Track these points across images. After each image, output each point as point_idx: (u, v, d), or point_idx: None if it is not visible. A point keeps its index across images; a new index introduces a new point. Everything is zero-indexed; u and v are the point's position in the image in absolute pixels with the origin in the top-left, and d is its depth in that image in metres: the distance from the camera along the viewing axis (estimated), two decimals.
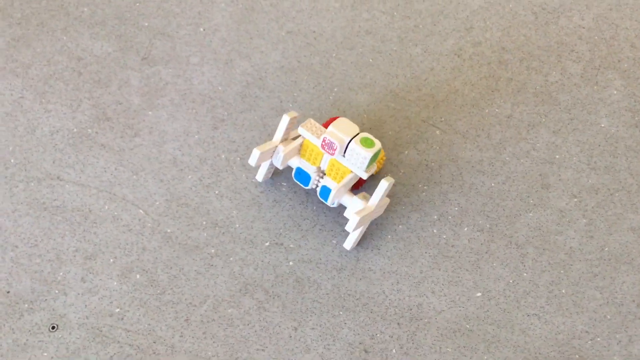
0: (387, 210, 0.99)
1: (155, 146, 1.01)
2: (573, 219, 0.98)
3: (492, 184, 1.01)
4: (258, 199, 0.99)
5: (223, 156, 1.02)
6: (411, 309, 0.90)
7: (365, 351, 0.86)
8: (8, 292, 0.88)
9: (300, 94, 1.08)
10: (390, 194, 1.02)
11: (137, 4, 1.11)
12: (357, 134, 0.96)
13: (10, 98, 1.02)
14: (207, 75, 1.07)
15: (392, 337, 0.87)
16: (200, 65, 1.08)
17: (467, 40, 1.12)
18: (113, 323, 0.88)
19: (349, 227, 0.93)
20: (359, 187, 1.03)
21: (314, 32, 1.12)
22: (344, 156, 0.96)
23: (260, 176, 1.03)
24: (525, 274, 0.94)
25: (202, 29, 1.10)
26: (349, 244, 0.98)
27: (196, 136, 1.03)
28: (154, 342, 0.87)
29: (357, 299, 0.92)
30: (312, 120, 0.98)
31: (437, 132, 1.06)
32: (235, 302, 0.91)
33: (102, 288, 0.90)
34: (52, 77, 1.04)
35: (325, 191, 0.98)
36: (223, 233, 0.96)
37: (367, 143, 0.95)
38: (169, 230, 0.95)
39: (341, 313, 0.90)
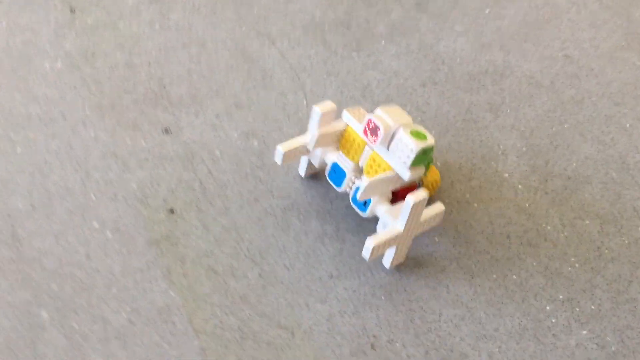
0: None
1: None
2: None
3: None
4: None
5: None
6: (452, 352, 0.84)
7: (372, 346, 0.85)
8: None
9: None
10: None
11: None
12: (408, 123, 0.82)
13: None
14: None
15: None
16: None
17: None
18: None
19: (365, 253, 0.81)
20: (401, 197, 0.87)
21: None
22: (387, 149, 0.82)
23: (302, 170, 0.95)
24: None
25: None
26: (387, 261, 0.89)
27: None
28: None
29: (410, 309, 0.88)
30: (361, 109, 0.86)
31: None
32: None
33: None
34: None
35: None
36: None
37: (418, 135, 0.80)
38: None
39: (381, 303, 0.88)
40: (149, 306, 0.87)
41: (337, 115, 1.02)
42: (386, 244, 0.83)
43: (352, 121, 0.85)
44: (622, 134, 1.09)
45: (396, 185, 0.87)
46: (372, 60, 1.18)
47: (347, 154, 0.87)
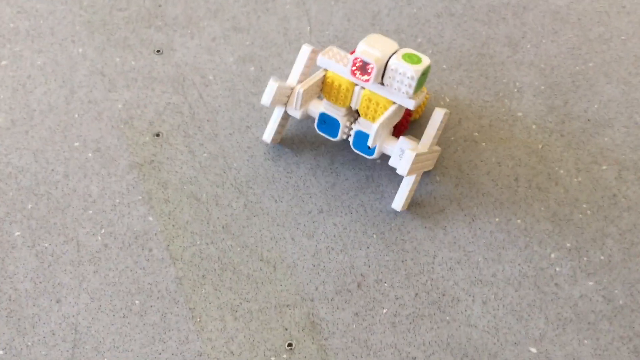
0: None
1: None
2: None
3: None
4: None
5: None
6: (444, 295, 0.79)
7: (358, 285, 0.80)
8: None
9: None
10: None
11: None
12: (396, 50, 0.75)
13: None
14: None
15: (399, 298, 0.81)
16: None
17: None
18: None
19: (402, 168, 0.74)
20: (401, 132, 0.85)
21: None
22: (382, 83, 0.76)
23: (268, 136, 0.86)
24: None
25: None
26: (399, 203, 0.82)
27: None
28: None
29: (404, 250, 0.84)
30: (334, 48, 0.79)
31: None
32: None
33: None
34: None
35: (362, 138, 0.79)
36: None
37: (412, 59, 0.73)
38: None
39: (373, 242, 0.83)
40: (125, 230, 0.82)
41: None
42: (416, 164, 0.76)
43: (333, 65, 0.77)
44: None
45: (400, 117, 0.80)
46: None
47: (335, 100, 0.79)
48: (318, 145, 0.91)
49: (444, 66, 1.00)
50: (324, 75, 0.79)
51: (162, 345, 0.74)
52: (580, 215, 0.86)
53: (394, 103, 0.77)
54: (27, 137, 0.90)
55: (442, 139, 0.91)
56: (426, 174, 0.88)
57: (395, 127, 0.85)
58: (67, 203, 0.84)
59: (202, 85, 0.97)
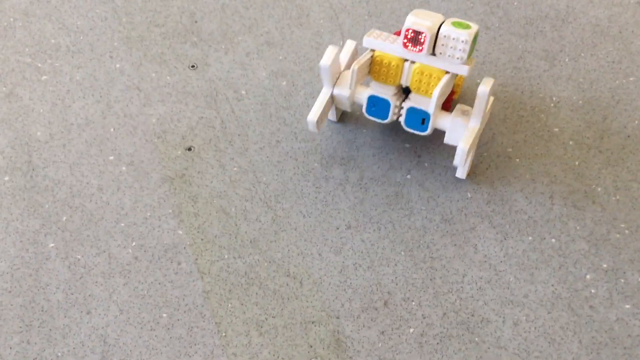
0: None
1: None
2: None
3: None
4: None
5: None
6: (473, 316, 0.77)
7: (385, 303, 0.79)
8: None
9: None
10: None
11: None
12: (444, 20, 0.76)
13: None
14: None
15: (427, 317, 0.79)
16: None
17: None
18: None
19: (458, 160, 0.77)
20: (449, 106, 0.86)
21: None
22: (433, 54, 0.77)
23: (314, 115, 0.82)
24: None
25: None
26: (462, 172, 0.83)
27: None
28: None
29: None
30: (376, 30, 0.81)
31: None
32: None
33: None
34: None
35: (415, 114, 0.79)
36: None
37: (461, 25, 0.74)
38: None
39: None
40: (155, 243, 0.84)
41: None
42: (472, 147, 0.78)
43: (381, 43, 0.78)
44: None
45: (450, 89, 0.80)
46: (420, 0, 1.09)
47: (385, 79, 0.79)
48: (347, 160, 0.90)
49: (479, 80, 0.98)
50: (372, 56, 0.79)
51: (187, 359, 0.75)
52: (618, 235, 0.83)
53: (447, 73, 0.76)
54: (64, 151, 0.92)
55: (474, 155, 0.90)
56: (457, 189, 0.87)
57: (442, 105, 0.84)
58: (100, 216, 0.86)
59: (235, 100, 0.98)
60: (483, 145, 0.91)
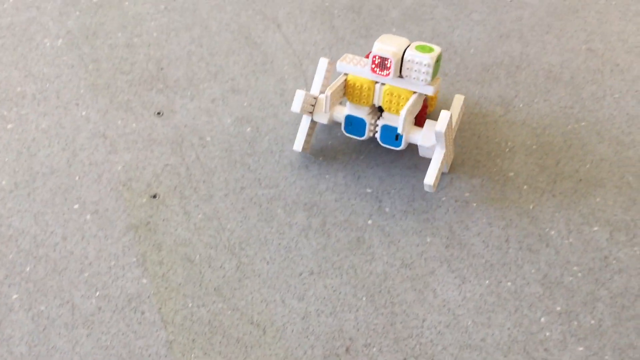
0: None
1: None
2: None
3: None
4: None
5: None
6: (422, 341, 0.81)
7: (347, 350, 0.80)
8: None
9: None
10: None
11: None
12: (409, 44, 0.83)
13: None
14: None
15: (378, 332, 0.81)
16: None
17: None
18: None
19: (427, 181, 0.84)
20: (424, 120, 0.91)
21: None
22: (400, 77, 0.84)
23: (299, 144, 0.92)
24: None
25: None
26: (430, 179, 0.86)
27: None
28: None
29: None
30: (349, 55, 0.88)
31: None
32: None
33: None
34: None
35: (388, 131, 0.86)
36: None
37: (424, 49, 0.82)
38: None
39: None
40: (119, 293, 0.84)
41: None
42: (441, 168, 0.85)
43: (352, 67, 0.85)
44: None
45: (420, 106, 0.86)
46: None
47: (359, 101, 0.86)
48: (310, 206, 0.92)
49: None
50: (345, 80, 0.86)
51: None
52: (571, 278, 0.85)
53: (414, 92, 0.83)
54: (29, 200, 0.93)
55: (433, 199, 0.92)
56: (417, 234, 0.89)
57: (415, 119, 0.89)
58: (64, 266, 0.87)
59: (200, 147, 0.99)
60: (442, 190, 0.94)
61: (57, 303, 0.83)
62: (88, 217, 0.91)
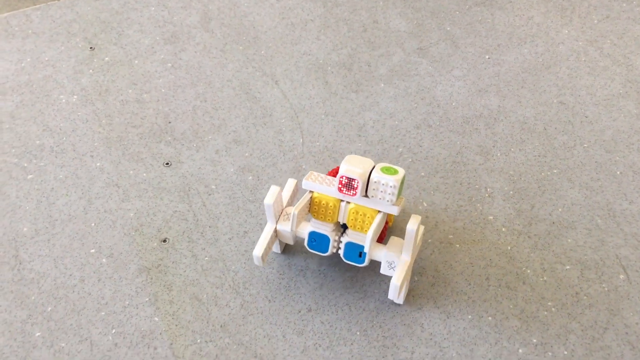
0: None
1: None
2: None
3: None
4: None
5: None
6: None
7: None
8: None
9: None
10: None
11: None
12: (374, 165, 0.85)
13: None
14: None
15: None
16: None
17: None
18: None
19: (391, 294, 0.86)
20: (382, 239, 0.94)
21: None
22: (366, 196, 0.85)
23: (259, 259, 0.90)
24: None
25: None
26: (399, 299, 0.91)
27: None
28: None
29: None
30: (314, 172, 0.89)
31: None
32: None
33: None
34: None
35: (352, 248, 0.87)
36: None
37: (389, 171, 0.83)
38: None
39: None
40: (134, 330, 0.92)
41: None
42: (405, 278, 0.86)
43: (319, 186, 0.86)
44: (612, 181, 1.10)
45: (384, 224, 0.90)
46: (370, 101, 1.23)
47: (324, 218, 0.88)
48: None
49: (422, 173, 1.11)
50: (311, 197, 0.88)
51: None
52: (546, 312, 0.94)
53: (379, 212, 0.86)
54: (49, 245, 1.01)
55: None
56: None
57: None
58: (82, 305, 0.94)
59: (206, 194, 1.08)
60: (428, 232, 1.03)
61: (77, 340, 0.91)
62: (104, 260, 0.99)
